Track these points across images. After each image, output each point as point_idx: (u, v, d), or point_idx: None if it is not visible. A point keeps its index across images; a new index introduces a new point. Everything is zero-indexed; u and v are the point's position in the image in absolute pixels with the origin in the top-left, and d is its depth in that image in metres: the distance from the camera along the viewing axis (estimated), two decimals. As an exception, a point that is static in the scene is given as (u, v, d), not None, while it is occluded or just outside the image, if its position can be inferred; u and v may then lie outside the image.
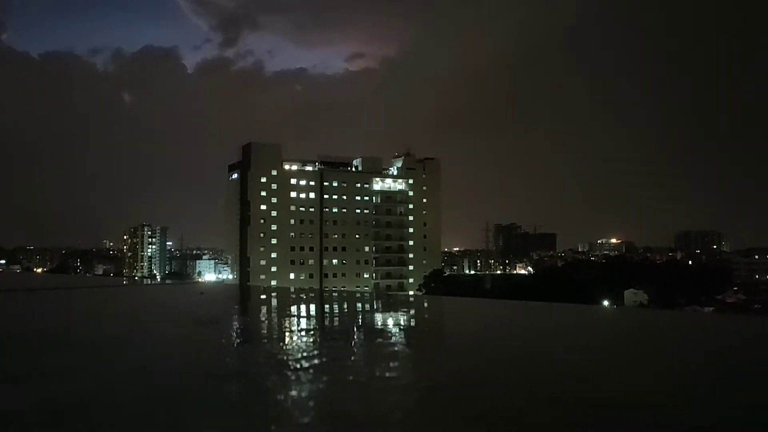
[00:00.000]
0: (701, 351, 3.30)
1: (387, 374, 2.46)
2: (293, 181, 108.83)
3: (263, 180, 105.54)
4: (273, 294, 9.05)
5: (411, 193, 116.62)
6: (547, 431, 1.70)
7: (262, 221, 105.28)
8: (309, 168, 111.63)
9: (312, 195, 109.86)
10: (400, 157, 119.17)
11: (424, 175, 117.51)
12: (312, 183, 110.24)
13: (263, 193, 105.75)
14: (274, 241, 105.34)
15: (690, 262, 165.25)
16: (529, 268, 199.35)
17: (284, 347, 3.23)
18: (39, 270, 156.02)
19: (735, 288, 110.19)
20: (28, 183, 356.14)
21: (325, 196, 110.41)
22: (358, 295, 14.94)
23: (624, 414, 1.87)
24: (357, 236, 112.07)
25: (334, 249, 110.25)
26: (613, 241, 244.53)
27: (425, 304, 7.66)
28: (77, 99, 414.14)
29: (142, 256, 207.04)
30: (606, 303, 66.91)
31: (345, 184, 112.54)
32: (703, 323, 5.51)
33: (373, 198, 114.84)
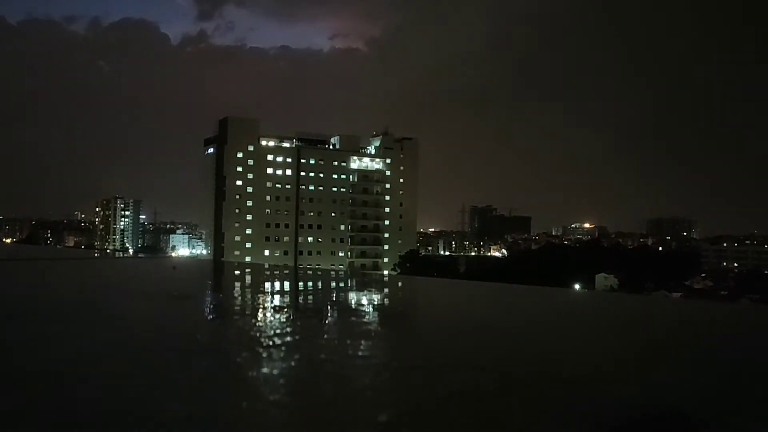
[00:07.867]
0: (667, 334, 3.35)
1: (359, 353, 2.46)
2: (270, 157, 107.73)
3: (239, 155, 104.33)
4: (247, 270, 8.99)
5: (388, 173, 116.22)
6: (519, 411, 1.72)
7: (237, 197, 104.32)
8: (286, 144, 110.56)
9: (288, 172, 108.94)
10: (378, 136, 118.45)
11: (401, 155, 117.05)
12: (289, 160, 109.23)
13: (239, 169, 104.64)
14: (249, 217, 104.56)
15: (660, 248, 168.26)
16: (504, 251, 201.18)
17: (256, 324, 3.20)
18: (8, 240, 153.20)
19: (703, 274, 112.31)
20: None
21: (302, 174, 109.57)
22: (333, 273, 14.92)
23: (593, 394, 1.90)
24: (333, 214, 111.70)
25: (310, 227, 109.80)
26: (587, 225, 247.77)
27: (399, 284, 7.68)
28: (53, 67, 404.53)
29: (115, 228, 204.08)
30: (578, 286, 67.77)
31: (322, 162, 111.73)
32: (670, 308, 5.60)
33: (350, 176, 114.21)
